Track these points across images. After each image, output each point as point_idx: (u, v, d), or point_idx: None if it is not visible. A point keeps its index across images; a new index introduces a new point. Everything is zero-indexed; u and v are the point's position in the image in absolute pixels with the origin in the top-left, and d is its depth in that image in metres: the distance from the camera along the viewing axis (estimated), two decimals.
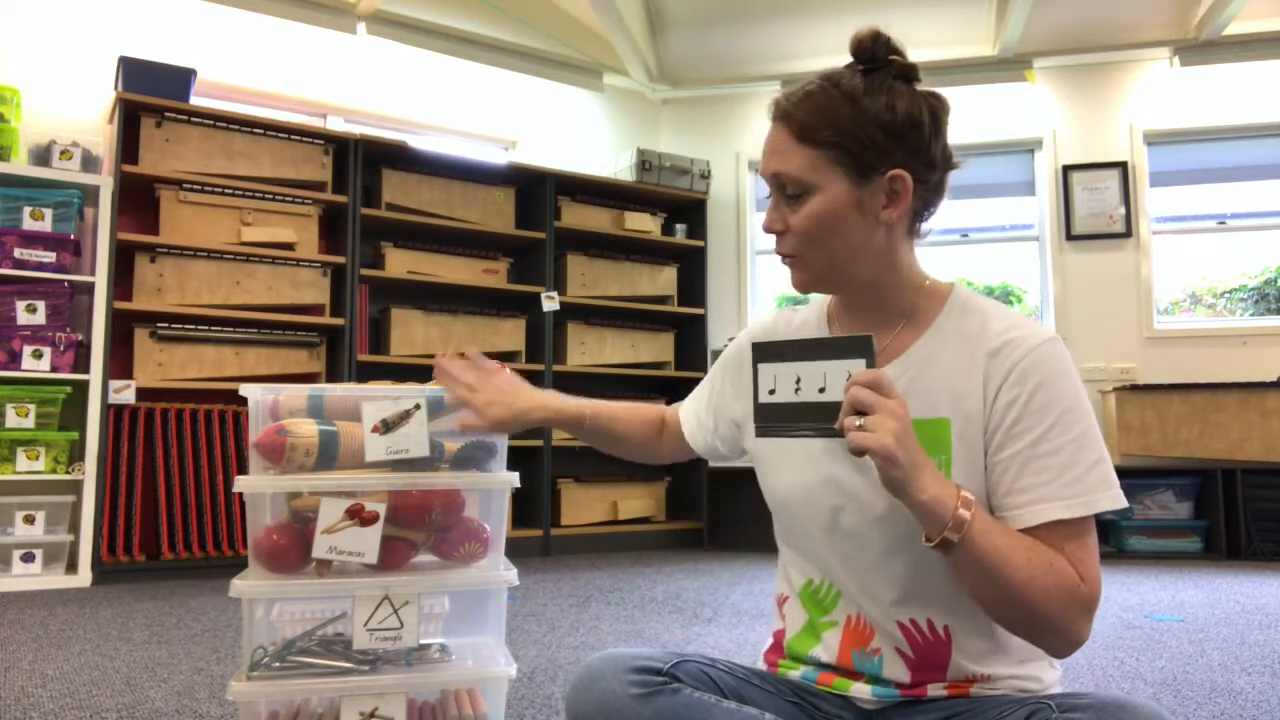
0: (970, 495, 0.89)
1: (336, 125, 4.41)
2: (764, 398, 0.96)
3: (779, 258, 1.05)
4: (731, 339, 1.28)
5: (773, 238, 1.04)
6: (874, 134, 0.96)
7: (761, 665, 1.12)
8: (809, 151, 0.97)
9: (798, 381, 0.94)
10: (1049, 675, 1.02)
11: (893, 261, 1.02)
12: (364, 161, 4.08)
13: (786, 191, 1.00)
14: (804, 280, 1.04)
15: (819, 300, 1.16)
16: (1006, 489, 0.94)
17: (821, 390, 0.92)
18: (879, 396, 0.86)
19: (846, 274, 1.02)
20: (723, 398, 1.22)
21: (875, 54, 0.99)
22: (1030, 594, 0.87)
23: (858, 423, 0.86)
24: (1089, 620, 0.91)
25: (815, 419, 0.92)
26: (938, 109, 1.00)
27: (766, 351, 0.96)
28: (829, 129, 0.96)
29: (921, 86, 1.00)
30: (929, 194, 1.02)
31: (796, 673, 1.07)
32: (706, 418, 1.25)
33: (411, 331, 4.13)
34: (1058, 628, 0.89)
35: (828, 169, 0.97)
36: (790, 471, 1.06)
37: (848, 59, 1.02)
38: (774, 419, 0.95)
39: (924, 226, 1.05)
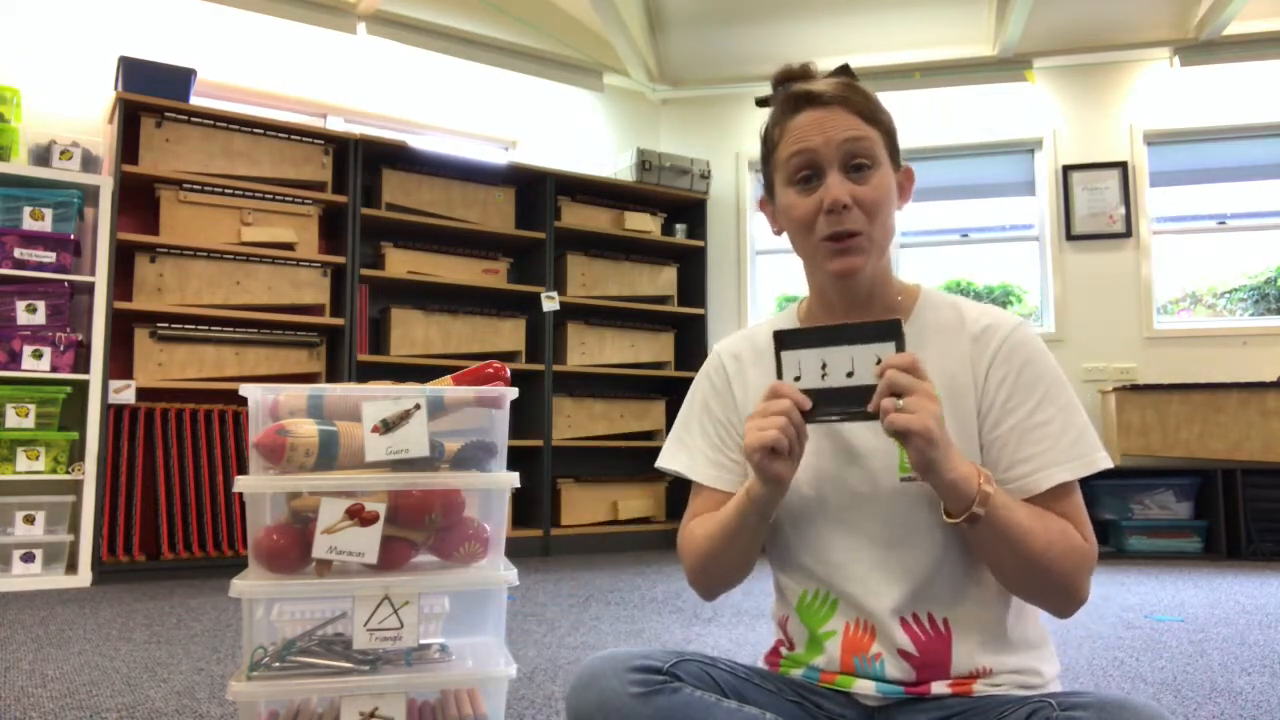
0: (986, 471, 0.94)
1: (336, 125, 4.41)
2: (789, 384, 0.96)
3: (828, 248, 1.01)
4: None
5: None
6: (895, 130, 1.06)
7: (762, 665, 1.12)
8: (874, 132, 1.03)
9: (824, 367, 0.94)
10: (1048, 670, 1.03)
11: (888, 255, 1.09)
12: (364, 161, 4.08)
13: (852, 166, 1.01)
14: (865, 262, 1.02)
15: (782, 315, 1.19)
16: (1008, 462, 1.00)
17: (850, 375, 0.93)
18: (915, 379, 0.89)
19: (880, 260, 1.06)
20: (730, 426, 1.15)
21: (845, 73, 1.08)
22: (1049, 559, 0.93)
23: (898, 404, 0.88)
24: (1090, 578, 0.97)
25: (844, 403, 0.93)
26: None
27: (789, 339, 0.96)
28: (882, 115, 1.05)
29: None
30: None
31: (798, 671, 1.07)
32: (728, 456, 1.14)
33: (411, 331, 4.13)
34: (1068, 589, 0.95)
35: (883, 151, 1.04)
36: None
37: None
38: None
39: None
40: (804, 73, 1.08)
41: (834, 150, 1.00)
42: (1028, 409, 0.99)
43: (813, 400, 0.94)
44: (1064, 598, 0.96)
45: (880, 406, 0.89)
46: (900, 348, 0.91)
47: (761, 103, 1.12)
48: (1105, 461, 0.98)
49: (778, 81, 1.09)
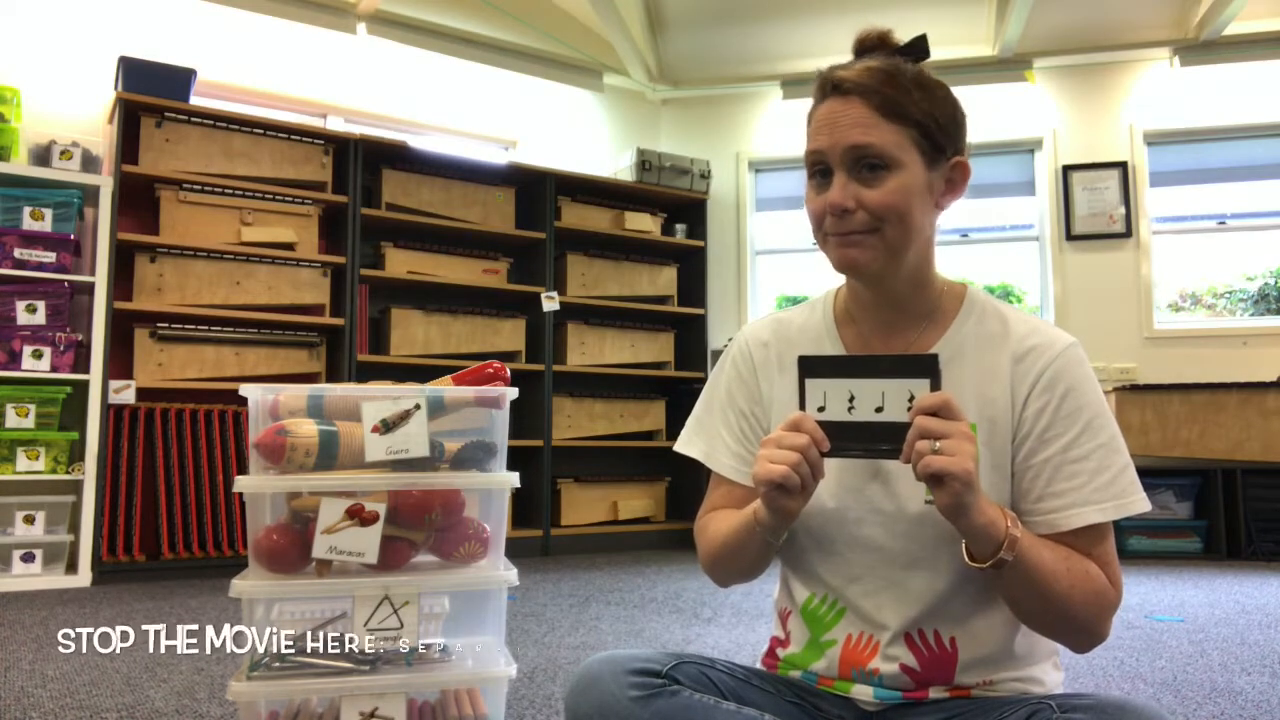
0: (1011, 512, 0.90)
1: (336, 125, 4.41)
2: (813, 415, 0.90)
3: (834, 239, 0.98)
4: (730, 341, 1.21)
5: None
6: (945, 120, 0.98)
7: (760, 667, 1.12)
8: (895, 127, 0.95)
9: (851, 399, 0.88)
10: (1051, 678, 1.02)
11: (929, 254, 1.03)
12: (364, 161, 4.08)
13: (863, 166, 0.95)
14: (869, 259, 0.97)
15: (816, 302, 1.14)
16: (1039, 494, 0.96)
17: (879, 410, 0.87)
18: (950, 422, 0.84)
19: (901, 260, 0.98)
20: (754, 419, 1.12)
21: (918, 47, 1.01)
22: (1071, 603, 0.90)
23: (934, 446, 0.83)
24: (1112, 619, 0.95)
25: (872, 440, 0.88)
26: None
27: (815, 366, 0.90)
28: (914, 107, 0.96)
29: None
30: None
31: (797, 673, 1.06)
32: (750, 449, 1.11)
33: (411, 331, 4.13)
34: (1089, 630, 0.93)
35: (909, 147, 0.96)
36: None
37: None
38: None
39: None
40: (878, 41, 1.00)
41: (839, 153, 0.96)
42: (1065, 442, 0.95)
43: (837, 433, 0.89)
44: (1083, 637, 0.94)
45: (916, 449, 0.84)
46: (936, 386, 0.85)
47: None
48: (1142, 505, 0.94)
49: (853, 48, 1.02)
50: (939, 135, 0.97)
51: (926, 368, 0.86)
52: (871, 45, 1.01)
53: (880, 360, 0.89)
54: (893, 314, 1.04)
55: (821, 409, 0.90)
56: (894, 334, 1.05)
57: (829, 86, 0.98)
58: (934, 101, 0.97)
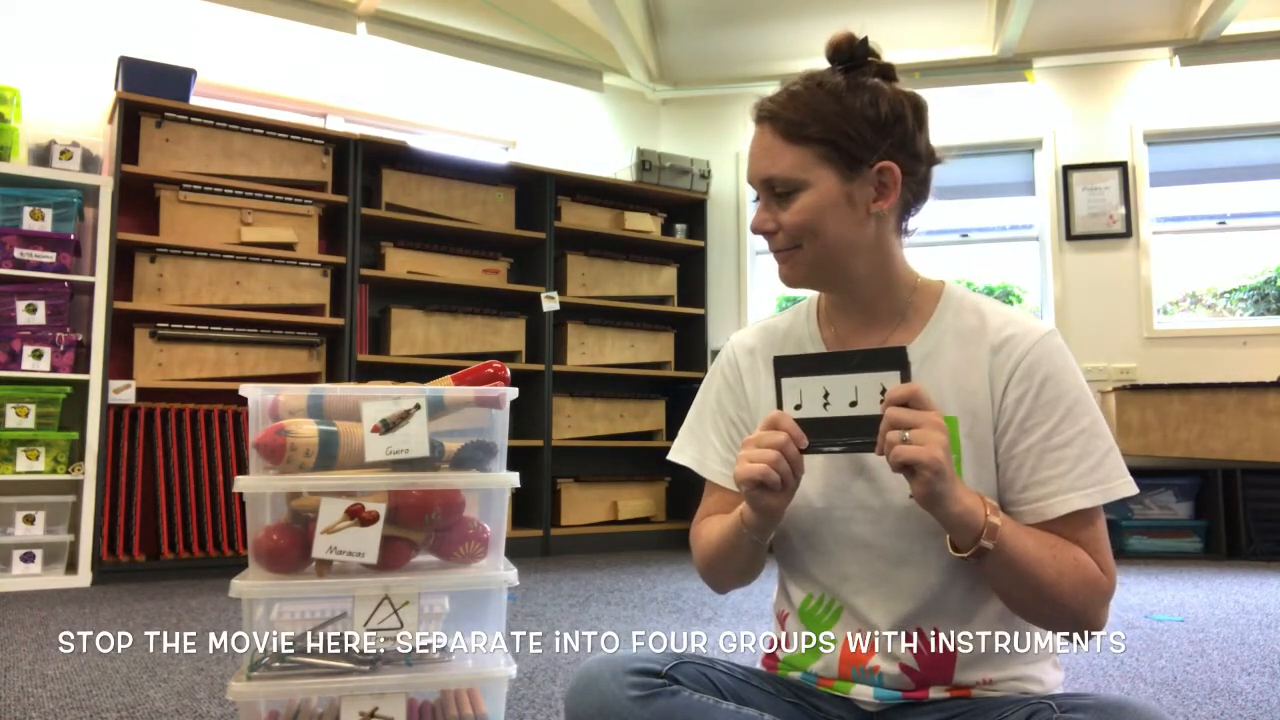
0: (992, 500, 0.91)
1: (336, 125, 4.41)
2: (790, 413, 0.93)
3: (772, 256, 1.05)
4: (727, 340, 1.23)
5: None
6: (861, 128, 0.98)
7: (760, 668, 1.12)
8: (797, 149, 0.99)
9: (826, 396, 0.91)
10: (1051, 677, 1.02)
11: (884, 257, 1.04)
12: (364, 161, 4.08)
13: (776, 191, 1.00)
14: (795, 274, 1.03)
15: (802, 306, 1.16)
16: (1024, 483, 0.96)
17: (853, 404, 0.90)
18: (920, 412, 0.86)
19: (840, 270, 1.02)
20: (741, 424, 1.14)
21: (854, 54, 1.01)
22: (1060, 591, 0.90)
23: (904, 435, 0.85)
24: (1107, 607, 0.94)
25: (848, 434, 0.90)
26: (919, 104, 1.03)
27: (790, 365, 0.93)
28: (816, 125, 0.98)
29: (900, 85, 1.03)
30: (916, 187, 1.04)
31: (797, 674, 1.06)
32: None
33: (411, 331, 4.13)
34: (1082, 619, 0.93)
35: (817, 165, 0.98)
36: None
37: None
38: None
39: (911, 224, 1.07)
40: (836, 52, 1.02)
41: (757, 184, 1.02)
42: (1046, 429, 0.95)
43: (814, 429, 0.91)
44: (1077, 627, 0.94)
45: (886, 439, 0.86)
46: (906, 377, 0.88)
47: None
48: (1127, 489, 0.94)
49: (830, 55, 1.04)
50: (853, 146, 0.98)
51: (896, 360, 0.88)
52: (844, 47, 1.02)
53: (851, 356, 0.91)
54: (863, 315, 1.07)
55: (798, 407, 0.93)
56: (869, 333, 1.07)
57: (754, 113, 1.03)
58: (847, 114, 0.98)
